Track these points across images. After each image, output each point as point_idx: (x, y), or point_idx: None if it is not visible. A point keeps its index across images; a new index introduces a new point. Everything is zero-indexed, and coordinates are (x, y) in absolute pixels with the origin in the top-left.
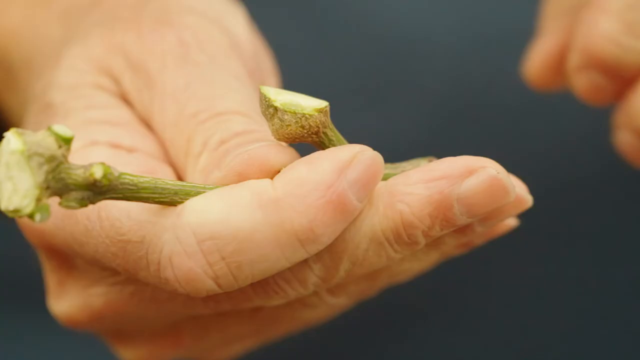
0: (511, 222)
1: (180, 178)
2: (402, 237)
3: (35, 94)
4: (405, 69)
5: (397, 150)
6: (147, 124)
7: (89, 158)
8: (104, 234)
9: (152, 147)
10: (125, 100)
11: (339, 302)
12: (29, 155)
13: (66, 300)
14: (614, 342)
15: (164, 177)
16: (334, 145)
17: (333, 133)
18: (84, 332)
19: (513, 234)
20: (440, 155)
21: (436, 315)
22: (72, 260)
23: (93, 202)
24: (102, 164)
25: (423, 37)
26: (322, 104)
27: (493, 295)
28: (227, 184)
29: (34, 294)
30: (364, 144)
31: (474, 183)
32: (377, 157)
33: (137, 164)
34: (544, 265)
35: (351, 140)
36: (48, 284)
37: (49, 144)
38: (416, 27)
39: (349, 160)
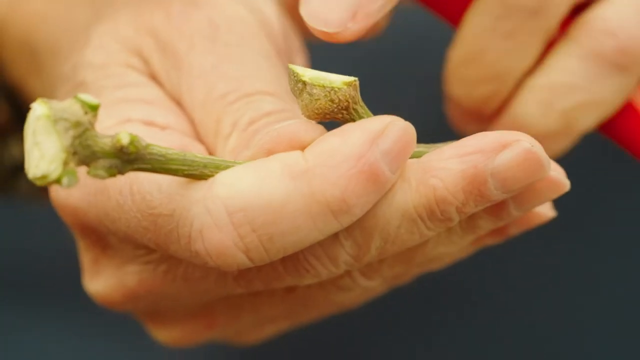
0: (548, 213)
1: None
2: (435, 213)
3: (66, 75)
4: (413, 62)
5: (427, 135)
6: (178, 104)
7: None
8: (135, 208)
9: (185, 126)
10: (155, 80)
11: (372, 286)
12: (55, 120)
13: (101, 279)
14: (615, 341)
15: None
16: None
17: (363, 110)
18: (120, 312)
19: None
20: None
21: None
22: (106, 238)
23: (122, 173)
24: (130, 133)
25: (424, 31)
26: (351, 78)
27: (499, 294)
28: None
29: (40, 289)
30: None
31: (509, 156)
32: (409, 127)
33: (171, 141)
34: (557, 259)
35: None
36: (83, 262)
37: (75, 111)
38: (420, 21)
39: (381, 130)
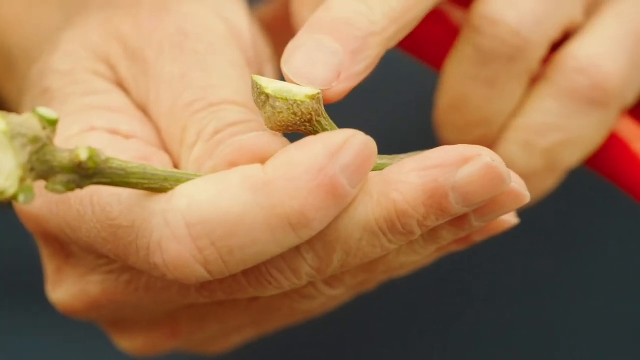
0: (511, 220)
1: (176, 166)
2: (396, 226)
3: (32, 80)
4: (400, 66)
5: (392, 145)
6: (144, 112)
7: (86, 143)
8: (95, 219)
9: (150, 134)
10: (122, 87)
11: (336, 294)
12: (12, 136)
13: (63, 288)
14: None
15: (161, 164)
16: None
17: (327, 122)
18: (82, 320)
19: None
20: None
21: (433, 315)
22: (69, 247)
23: (80, 187)
24: (89, 147)
25: None
26: (315, 91)
27: (491, 296)
28: None
29: (32, 289)
30: None
31: (470, 171)
32: (370, 141)
33: (134, 150)
34: (545, 265)
35: None
36: (46, 271)
37: (32, 125)
38: None
39: (341, 144)
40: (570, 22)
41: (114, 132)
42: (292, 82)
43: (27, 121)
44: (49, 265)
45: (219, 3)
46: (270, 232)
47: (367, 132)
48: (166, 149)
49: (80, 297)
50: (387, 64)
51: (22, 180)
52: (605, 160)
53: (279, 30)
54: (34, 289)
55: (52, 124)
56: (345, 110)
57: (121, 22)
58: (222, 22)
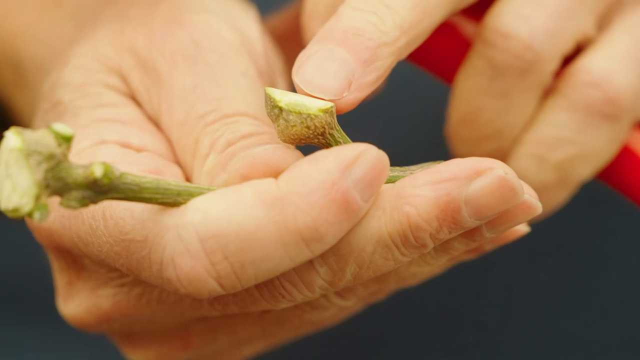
0: (522, 229)
1: (187, 178)
2: (409, 239)
3: (44, 92)
4: (412, 78)
5: (403, 157)
6: (156, 124)
7: (97, 157)
8: (107, 233)
9: (161, 147)
10: (134, 99)
11: (348, 305)
12: (28, 153)
13: (75, 302)
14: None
15: (172, 176)
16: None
17: (340, 134)
18: (93, 333)
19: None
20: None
21: (439, 327)
22: (81, 260)
23: (94, 202)
24: (103, 163)
25: None
26: (328, 104)
27: (495, 305)
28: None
29: (38, 302)
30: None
31: (482, 184)
32: (382, 156)
33: (145, 163)
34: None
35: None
36: (57, 284)
37: (48, 142)
38: None
39: (354, 158)
40: (582, 36)
41: (125, 145)
42: (303, 92)
43: (42, 138)
44: (60, 278)
45: (231, 14)
46: (283, 247)
47: (378, 144)
48: (178, 161)
49: (92, 311)
50: (399, 76)
51: (37, 197)
52: (617, 173)
53: (289, 41)
54: (45, 302)
55: (67, 140)
56: (358, 122)
57: (134, 34)
58: (234, 33)
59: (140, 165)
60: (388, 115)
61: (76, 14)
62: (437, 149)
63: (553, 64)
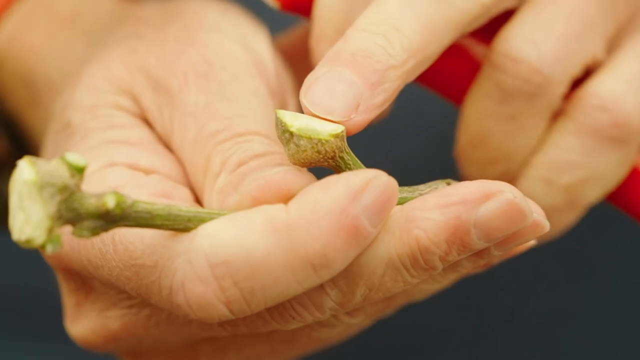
0: (530, 242)
1: (198, 198)
2: (418, 262)
3: (55, 113)
4: (420, 96)
5: (412, 177)
6: (167, 144)
7: (106, 180)
8: (117, 258)
9: (171, 168)
10: (145, 120)
11: (356, 322)
12: (41, 186)
13: (83, 322)
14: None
15: (181, 199)
16: (350, 169)
17: (350, 157)
18: (101, 353)
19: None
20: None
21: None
22: (90, 282)
23: (106, 230)
24: (115, 193)
25: None
26: (339, 128)
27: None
28: (243, 209)
29: (51, 322)
30: (379, 168)
31: (491, 208)
32: (392, 182)
33: (154, 186)
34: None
35: (367, 164)
36: (65, 305)
37: (61, 173)
38: None
39: (363, 185)
40: (591, 59)
41: (134, 166)
42: (311, 113)
43: (56, 169)
44: (69, 300)
45: (243, 34)
46: (292, 273)
47: (386, 164)
48: (189, 180)
49: (100, 332)
50: (407, 97)
51: (50, 230)
52: (626, 195)
53: (297, 61)
54: (53, 322)
55: (81, 171)
56: (367, 142)
57: (146, 53)
58: (246, 52)
59: (149, 188)
60: (396, 136)
61: (89, 33)
62: (446, 169)
63: (562, 87)
